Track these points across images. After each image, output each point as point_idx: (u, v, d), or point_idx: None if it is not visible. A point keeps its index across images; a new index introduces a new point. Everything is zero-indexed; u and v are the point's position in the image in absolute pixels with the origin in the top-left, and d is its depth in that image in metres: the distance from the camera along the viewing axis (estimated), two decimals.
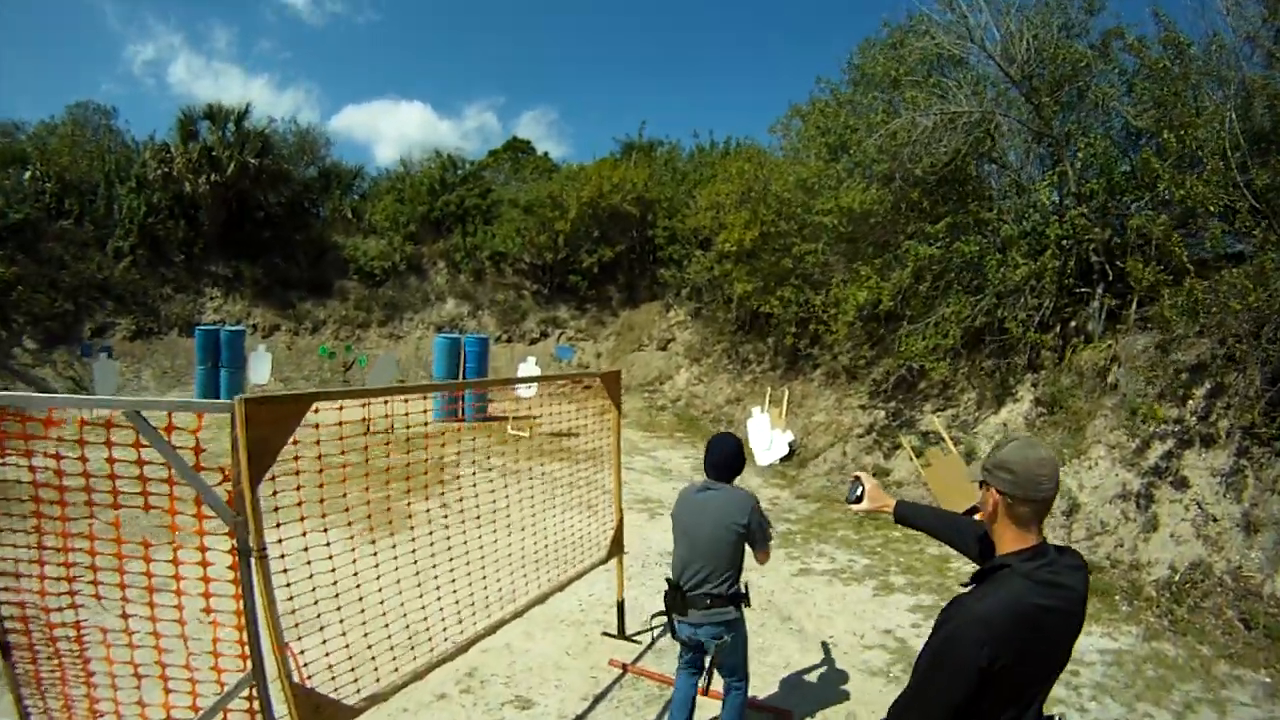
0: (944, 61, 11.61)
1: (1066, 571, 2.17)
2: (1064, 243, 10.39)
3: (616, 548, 6.33)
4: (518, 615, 5.33)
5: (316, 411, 3.33)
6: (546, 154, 31.19)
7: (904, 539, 9.48)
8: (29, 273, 19.30)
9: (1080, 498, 8.57)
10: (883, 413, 12.82)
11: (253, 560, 3.03)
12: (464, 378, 17.44)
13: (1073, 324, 10.72)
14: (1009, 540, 2.25)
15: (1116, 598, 7.36)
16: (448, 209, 25.71)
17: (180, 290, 22.17)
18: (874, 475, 11.55)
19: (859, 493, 3.19)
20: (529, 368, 17.18)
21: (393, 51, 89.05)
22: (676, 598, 4.25)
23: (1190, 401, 8.36)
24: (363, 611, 4.05)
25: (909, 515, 3.13)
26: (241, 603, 3.08)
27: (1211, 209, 8.44)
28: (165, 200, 22.22)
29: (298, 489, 3.63)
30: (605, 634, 6.48)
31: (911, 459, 10.56)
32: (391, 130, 76.30)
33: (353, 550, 4.07)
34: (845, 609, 7.41)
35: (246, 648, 3.13)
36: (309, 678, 3.38)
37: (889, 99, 11.65)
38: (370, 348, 22.63)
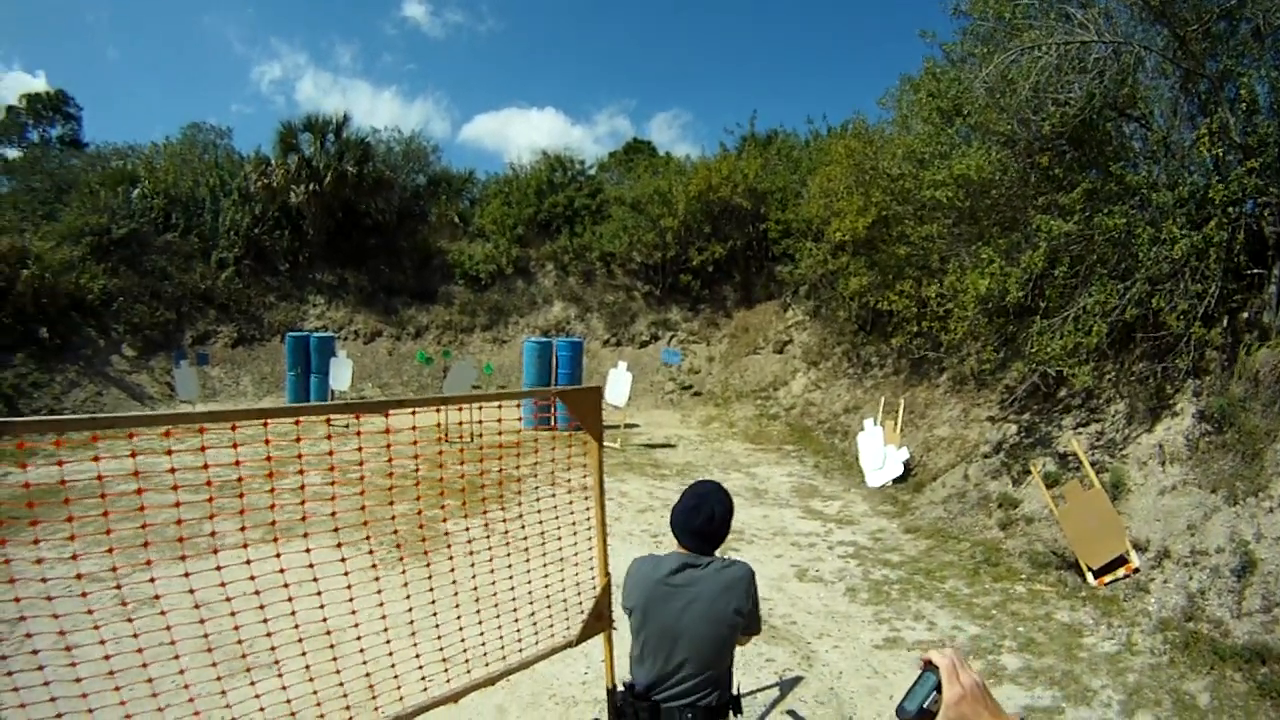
0: None
1: None
2: (1230, 209, 8.02)
3: (597, 623, 4.31)
4: (485, 685, 3.97)
5: (388, 416, 3.26)
6: (668, 154, 29.78)
7: (1029, 597, 7.44)
8: (131, 284, 19.83)
9: (1256, 552, 6.31)
10: (1014, 427, 10.60)
11: None
12: (555, 384, 16.39)
13: (1244, 315, 8.28)
14: None
15: None
16: (555, 210, 24.89)
17: (284, 298, 22.32)
18: (998, 507, 9.46)
19: (924, 702, 1.34)
20: (620, 373, 15.73)
21: (520, 58, 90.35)
22: (640, 710, 3.02)
23: None
24: (332, 649, 3.55)
25: None
26: None
27: None
28: (272, 211, 22.55)
29: (332, 499, 3.50)
30: None
31: (1043, 491, 8.39)
32: (522, 137, 77.58)
33: (345, 575, 3.55)
34: None
35: None
36: None
37: (1005, 45, 9.47)
38: (474, 353, 22.07)
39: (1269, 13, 8.17)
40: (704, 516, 3.09)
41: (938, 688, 1.30)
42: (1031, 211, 9.81)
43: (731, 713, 3.13)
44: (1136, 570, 7.18)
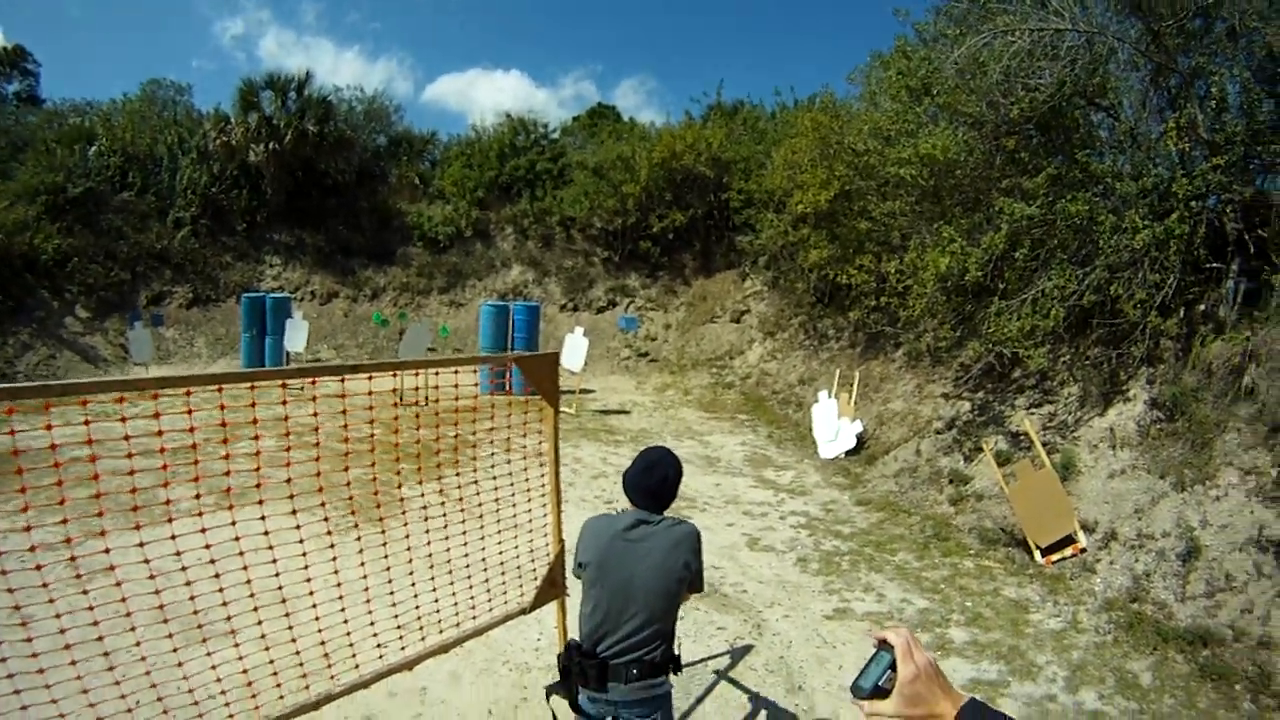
0: None
1: None
2: (1193, 204, 8.17)
3: (551, 589, 4.37)
4: (438, 652, 3.99)
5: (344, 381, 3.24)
6: (632, 120, 29.47)
7: (977, 572, 7.61)
8: (86, 244, 19.49)
9: (1201, 538, 6.52)
10: (968, 405, 10.77)
11: None
12: (512, 348, 16.29)
13: (1200, 308, 8.47)
14: None
15: (1238, 688, 5.36)
16: (517, 173, 24.53)
17: (241, 259, 21.90)
18: (949, 483, 9.63)
19: (878, 680, 1.34)
20: (576, 339, 15.66)
21: (486, 19, 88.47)
22: (587, 667, 3.16)
23: None
24: (287, 616, 3.50)
25: None
26: None
27: None
28: (231, 170, 22.09)
29: (286, 465, 3.41)
30: (550, 689, 4.82)
31: (994, 469, 8.54)
32: (487, 100, 76.22)
33: (300, 542, 3.46)
34: None
35: None
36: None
37: (978, 28, 9.48)
38: (431, 315, 21.78)
39: (1245, 14, 8.25)
40: (657, 478, 3.27)
41: (892, 666, 1.31)
42: (995, 194, 9.89)
43: (671, 670, 3.28)
44: (1084, 550, 7.37)
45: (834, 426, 12.68)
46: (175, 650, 3.41)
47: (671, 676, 3.32)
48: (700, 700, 5.21)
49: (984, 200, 10.27)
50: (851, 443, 12.17)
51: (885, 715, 1.29)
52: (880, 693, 1.31)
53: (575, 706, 3.32)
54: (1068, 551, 7.48)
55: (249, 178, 22.32)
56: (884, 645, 1.34)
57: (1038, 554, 7.64)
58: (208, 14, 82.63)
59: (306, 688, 3.70)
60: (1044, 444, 8.56)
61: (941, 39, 10.34)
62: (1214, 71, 8.44)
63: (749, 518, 9.24)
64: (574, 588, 3.61)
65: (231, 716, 3.44)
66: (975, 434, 9.94)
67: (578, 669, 3.22)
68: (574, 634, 3.45)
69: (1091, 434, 8.46)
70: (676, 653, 3.31)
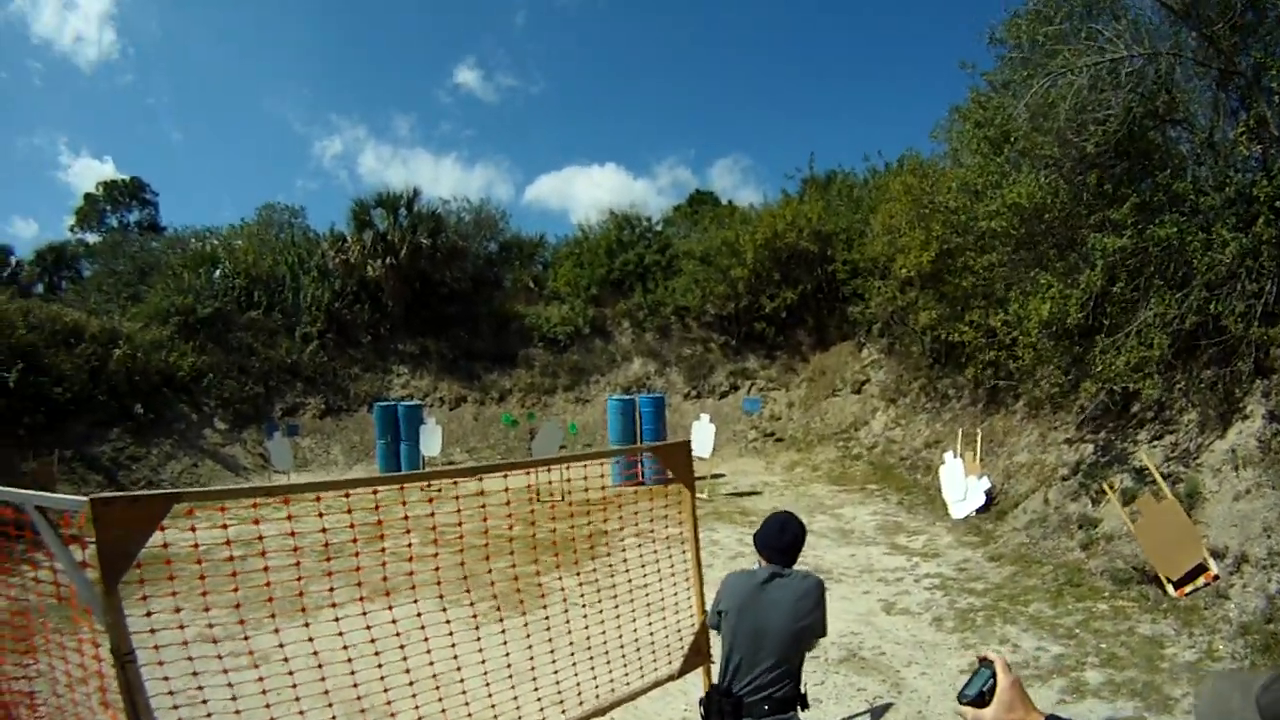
0: (1098, 12, 9.40)
1: None
2: (1277, 204, 7.96)
3: (696, 658, 4.80)
4: (595, 715, 4.50)
5: (319, 500, 3.41)
6: (730, 203, 30.23)
7: (1111, 614, 7.41)
8: (219, 360, 20.58)
9: None
10: (1090, 447, 10.52)
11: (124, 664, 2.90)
12: (640, 440, 16.63)
13: None
14: None
15: None
16: (627, 268, 25.35)
17: (368, 369, 23.00)
18: (1079, 528, 9.40)
19: (982, 688, 1.71)
20: (703, 425, 15.97)
21: (575, 116, 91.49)
22: (725, 705, 3.56)
23: None
24: (440, 700, 3.92)
25: None
26: None
27: None
28: (350, 286, 23.34)
29: (435, 555, 4.03)
30: None
31: (1119, 508, 8.35)
32: (586, 195, 78.40)
33: (448, 630, 3.98)
34: None
35: None
36: None
37: (1043, 68, 9.60)
38: (557, 413, 22.35)
39: None
40: (789, 538, 3.80)
41: (992, 678, 1.66)
42: (1085, 231, 9.85)
43: (799, 707, 3.66)
44: (1216, 578, 7.11)
45: (962, 486, 12.49)
46: None
47: (800, 713, 3.68)
48: None
49: (1077, 239, 10.22)
50: (981, 500, 11.95)
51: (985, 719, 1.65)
52: (982, 700, 1.66)
53: None
54: (1200, 581, 7.21)
55: (369, 292, 23.49)
56: (985, 662, 1.70)
57: (1170, 587, 7.39)
58: (305, 134, 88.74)
59: None
60: (1168, 474, 8.34)
61: (1011, 84, 10.47)
62: (1271, 65, 8.29)
63: (884, 584, 9.25)
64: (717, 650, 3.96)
65: None
66: (1100, 475, 9.69)
67: (716, 707, 3.60)
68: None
69: (1214, 458, 8.19)
70: (803, 691, 3.70)
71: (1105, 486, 9.02)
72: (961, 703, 1.70)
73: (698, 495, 14.19)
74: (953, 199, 12.59)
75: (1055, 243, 10.63)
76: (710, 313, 23.69)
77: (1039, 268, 10.59)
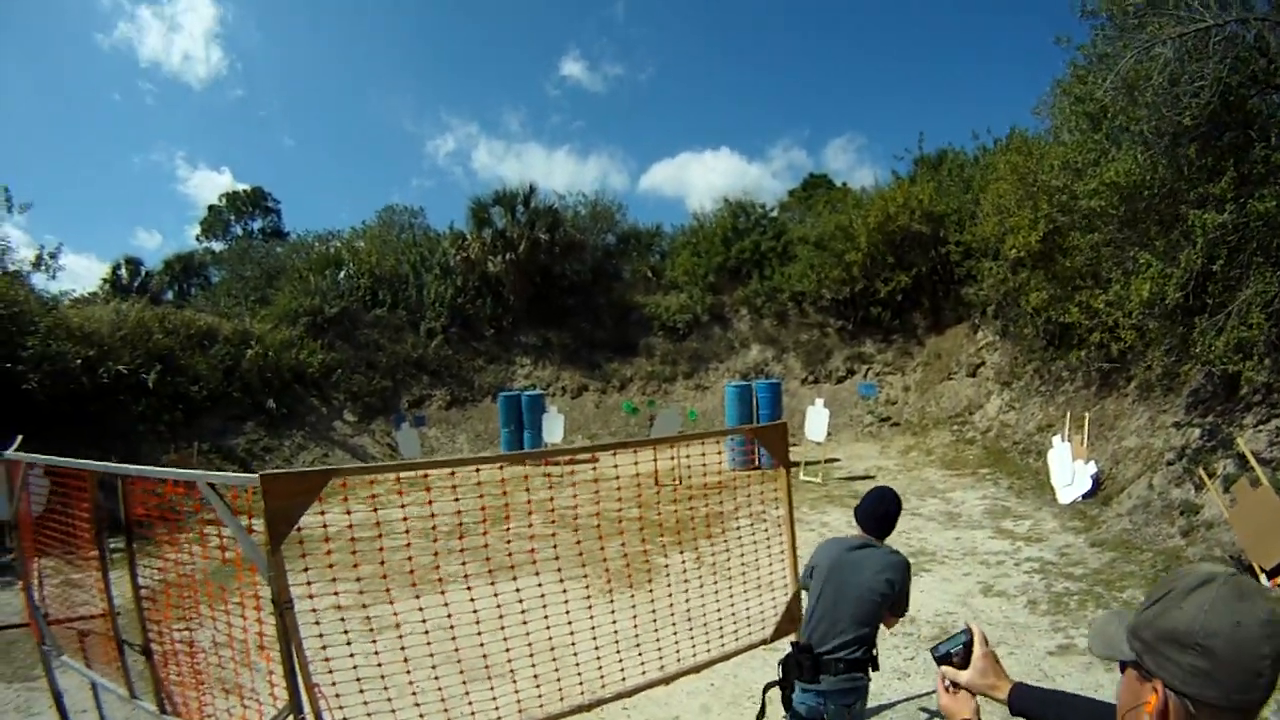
0: None
1: None
2: None
3: (789, 623, 5.21)
4: (689, 672, 4.97)
5: (453, 475, 4.30)
6: (845, 185, 29.85)
7: None
8: (347, 357, 21.65)
9: None
10: (1198, 431, 10.13)
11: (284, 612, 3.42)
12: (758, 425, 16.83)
13: None
14: None
15: None
16: (743, 255, 25.42)
17: (492, 361, 23.84)
18: (1180, 514, 9.13)
19: (950, 650, 2.04)
20: (818, 410, 16.06)
21: (685, 102, 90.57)
22: (805, 662, 3.90)
23: None
24: (554, 664, 4.44)
25: (1030, 707, 1.95)
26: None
27: None
28: (472, 282, 24.26)
29: (553, 534, 4.96)
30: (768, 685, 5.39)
31: (1216, 494, 8.09)
32: (700, 181, 77.60)
33: (565, 603, 4.52)
34: None
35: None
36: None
37: (1134, 40, 9.25)
38: (677, 400, 22.69)
39: None
40: (883, 510, 4.09)
41: (967, 645, 1.98)
42: (1185, 207, 9.48)
43: (870, 668, 3.95)
44: None
45: (1069, 470, 12.22)
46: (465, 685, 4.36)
47: (871, 673, 3.99)
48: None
49: (1180, 216, 9.83)
50: (1088, 485, 11.66)
51: (961, 680, 1.99)
52: (949, 659, 2.00)
53: (787, 703, 4.02)
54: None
55: (490, 287, 24.31)
56: (966, 630, 2.02)
57: (1263, 577, 7.15)
58: (416, 133, 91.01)
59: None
60: (1271, 460, 8.02)
61: (1105, 58, 10.12)
62: None
63: (985, 567, 9.30)
64: None
65: None
66: (1204, 460, 9.35)
67: (795, 664, 3.94)
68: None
69: None
70: (875, 654, 3.98)
71: (1201, 474, 8.72)
72: (933, 657, 2.04)
73: (812, 480, 14.45)
74: (1055, 177, 12.24)
75: (1158, 220, 10.23)
76: (826, 297, 23.53)
77: (1141, 247, 10.24)
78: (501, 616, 4.25)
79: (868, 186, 26.85)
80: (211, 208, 46.72)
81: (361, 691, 3.93)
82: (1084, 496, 11.60)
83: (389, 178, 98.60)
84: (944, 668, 1.99)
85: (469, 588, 4.32)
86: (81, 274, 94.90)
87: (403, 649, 4.02)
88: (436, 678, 4.16)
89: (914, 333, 22.61)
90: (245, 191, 46.42)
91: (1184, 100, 8.68)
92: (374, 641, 4.18)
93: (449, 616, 4.12)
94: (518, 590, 4.36)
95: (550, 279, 24.94)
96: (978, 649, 1.96)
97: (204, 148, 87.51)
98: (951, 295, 21.30)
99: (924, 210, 21.11)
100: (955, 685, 1.96)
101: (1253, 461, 7.71)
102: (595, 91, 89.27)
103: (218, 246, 41.77)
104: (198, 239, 45.60)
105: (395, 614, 4.22)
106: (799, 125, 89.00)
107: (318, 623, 3.87)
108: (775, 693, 4.13)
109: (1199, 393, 10.51)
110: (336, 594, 3.97)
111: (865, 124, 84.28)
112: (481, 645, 4.23)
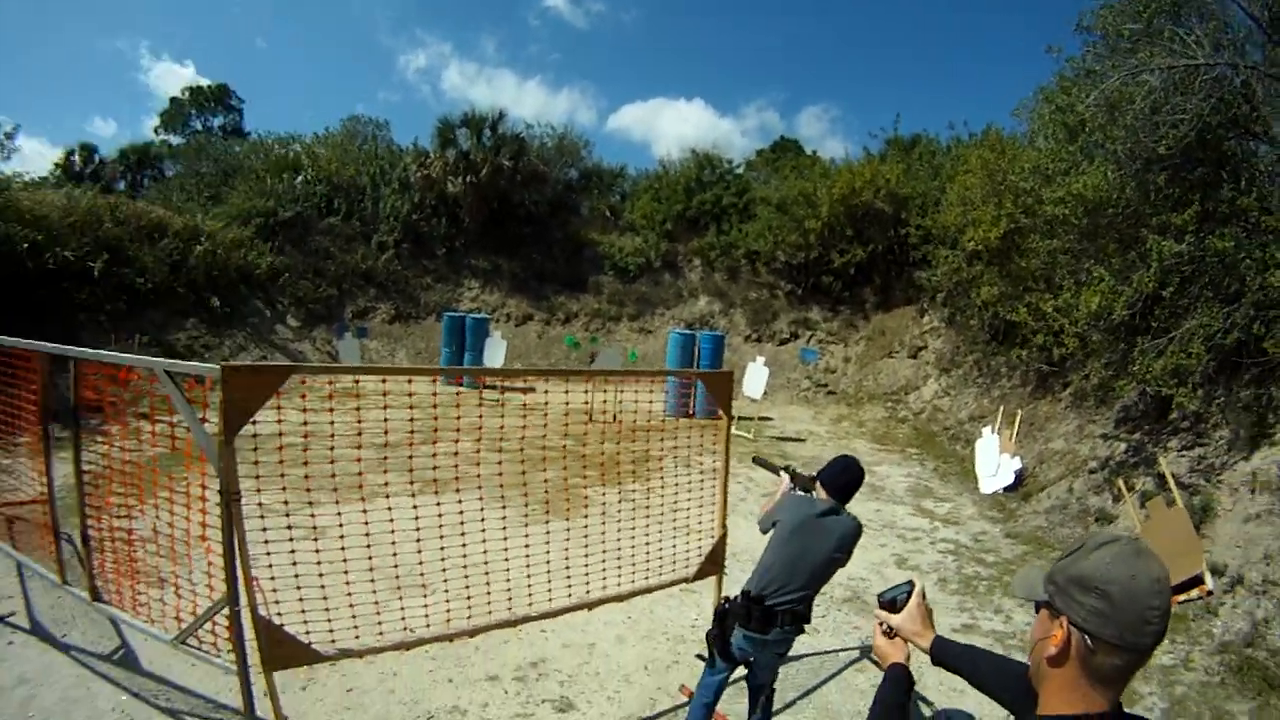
0: (1186, 14, 9.18)
1: None
2: None
3: (711, 566, 5.58)
4: (611, 600, 5.33)
5: (384, 394, 4.12)
6: (814, 153, 29.94)
7: None
8: (296, 262, 21.34)
9: None
10: (1124, 445, 10.60)
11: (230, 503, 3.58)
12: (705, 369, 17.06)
13: None
14: (1067, 698, 1.53)
15: None
16: (704, 207, 25.50)
17: (440, 280, 23.64)
18: (1094, 520, 9.60)
19: (895, 597, 2.32)
20: (757, 368, 16.35)
21: (665, 49, 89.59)
22: (756, 612, 4.09)
23: None
24: (486, 578, 4.70)
25: (947, 657, 2.28)
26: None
27: None
28: (429, 200, 23.95)
29: (499, 463, 4.79)
30: (699, 657, 5.71)
31: (1132, 508, 8.53)
32: (670, 129, 77.17)
33: (502, 522, 4.92)
34: None
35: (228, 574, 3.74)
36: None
37: (1123, 63, 9.46)
38: (620, 340, 22.88)
39: None
40: (848, 477, 4.27)
41: (908, 594, 2.26)
42: (1146, 231, 9.80)
43: (805, 623, 4.22)
44: (1210, 593, 7.27)
45: (995, 462, 12.70)
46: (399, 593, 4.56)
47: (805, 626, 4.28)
48: (826, 680, 5.96)
49: (1138, 238, 10.16)
50: (1010, 479, 12.13)
51: (891, 624, 2.26)
52: (891, 605, 2.27)
53: (725, 649, 4.21)
54: (1193, 593, 7.39)
55: (447, 207, 24.06)
56: (909, 583, 2.29)
57: None
58: (391, 47, 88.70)
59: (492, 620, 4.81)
60: (1189, 485, 8.46)
61: (1092, 75, 10.32)
62: None
63: (901, 540, 9.68)
64: (730, 566, 4.85)
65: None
66: (1126, 474, 9.81)
67: (743, 612, 4.11)
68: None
69: (1235, 477, 8.26)
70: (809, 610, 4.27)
71: (1120, 486, 9.17)
72: (878, 600, 2.32)
73: (743, 434, 14.73)
74: (1024, 180, 12.50)
75: (1118, 238, 10.56)
76: (780, 260, 23.80)
77: (1097, 261, 10.57)
78: (441, 529, 4.44)
79: (837, 158, 27.04)
80: (173, 100, 44.69)
81: (299, 589, 4.06)
82: (1005, 489, 12.07)
83: (357, 88, 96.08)
84: (882, 611, 2.27)
85: (413, 495, 4.54)
86: (33, 158, 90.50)
87: (342, 550, 4.18)
88: (372, 580, 4.34)
89: (862, 307, 23.00)
90: (209, 87, 44.61)
91: (1162, 129, 8.90)
92: (315, 540, 4.33)
93: (391, 522, 4.27)
94: (460, 504, 4.58)
95: (508, 206, 24.68)
96: (914, 599, 2.24)
97: (170, 39, 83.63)
98: (904, 276, 21.65)
99: (890, 190, 21.37)
100: (891, 630, 2.23)
101: (1171, 483, 8.13)
102: (577, 26, 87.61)
103: (175, 140, 40.20)
104: (156, 131, 43.77)
105: (339, 517, 4.30)
106: (776, 88, 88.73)
107: (263, 517, 4.01)
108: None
109: (1130, 410, 10.98)
110: (284, 489, 4.03)
111: (842, 97, 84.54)
112: (420, 554, 4.39)
